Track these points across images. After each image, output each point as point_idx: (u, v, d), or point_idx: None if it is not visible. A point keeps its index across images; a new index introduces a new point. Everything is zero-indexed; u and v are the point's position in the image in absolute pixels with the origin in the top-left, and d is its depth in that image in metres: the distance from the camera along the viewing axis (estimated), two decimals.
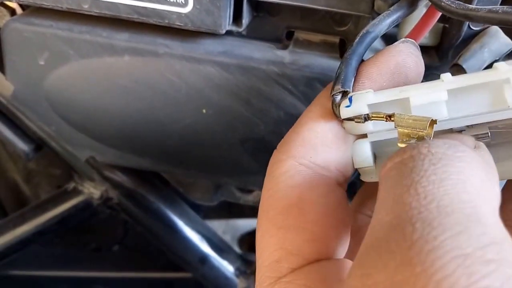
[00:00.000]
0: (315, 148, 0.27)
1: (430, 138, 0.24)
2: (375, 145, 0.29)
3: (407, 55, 0.29)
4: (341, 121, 0.28)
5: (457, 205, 0.18)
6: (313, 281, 0.24)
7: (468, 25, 0.37)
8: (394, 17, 0.33)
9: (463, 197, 0.19)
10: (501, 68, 0.25)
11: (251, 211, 0.81)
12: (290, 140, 0.28)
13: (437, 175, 0.20)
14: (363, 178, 0.29)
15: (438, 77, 0.39)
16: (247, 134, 0.41)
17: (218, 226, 0.63)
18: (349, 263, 0.26)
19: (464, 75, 0.26)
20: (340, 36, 0.39)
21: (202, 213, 0.69)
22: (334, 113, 0.28)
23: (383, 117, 0.26)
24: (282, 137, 0.40)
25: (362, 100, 0.27)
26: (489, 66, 0.36)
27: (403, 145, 0.25)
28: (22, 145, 0.49)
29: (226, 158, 0.43)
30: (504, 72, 0.25)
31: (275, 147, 0.41)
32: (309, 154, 0.27)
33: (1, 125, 0.48)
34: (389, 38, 0.39)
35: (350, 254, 0.27)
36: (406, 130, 0.25)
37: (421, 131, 0.25)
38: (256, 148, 0.42)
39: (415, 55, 0.30)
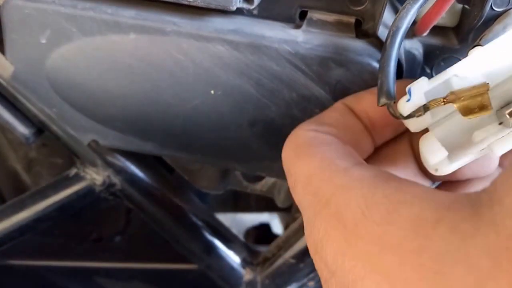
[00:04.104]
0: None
1: (490, 102, 0.26)
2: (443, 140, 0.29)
3: None
4: (403, 119, 0.29)
5: None
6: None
7: (491, 6, 0.36)
8: (420, 1, 0.32)
9: None
10: None
11: (258, 204, 0.79)
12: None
13: None
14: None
15: (458, 60, 0.38)
16: (257, 116, 0.39)
17: (223, 220, 0.63)
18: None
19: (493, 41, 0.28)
20: (356, 16, 0.37)
21: (208, 203, 0.68)
22: (393, 116, 0.29)
23: (441, 101, 0.27)
24: (294, 120, 0.39)
25: (419, 89, 0.28)
26: None
27: (470, 117, 0.26)
28: (22, 129, 0.47)
29: (234, 141, 0.41)
30: None
31: (286, 131, 0.39)
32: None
33: (0, 108, 0.47)
34: None
35: None
36: (465, 103, 0.26)
37: (482, 95, 0.26)
38: (266, 131, 0.40)
39: None
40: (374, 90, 0.31)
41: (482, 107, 0.26)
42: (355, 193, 0.25)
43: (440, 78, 0.28)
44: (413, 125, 0.29)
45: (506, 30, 0.36)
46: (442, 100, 0.27)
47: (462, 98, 0.26)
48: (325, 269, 0.25)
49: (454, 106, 0.26)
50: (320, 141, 0.30)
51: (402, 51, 0.37)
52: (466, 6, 0.37)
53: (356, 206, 0.24)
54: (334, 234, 0.24)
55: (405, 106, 0.28)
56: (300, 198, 0.29)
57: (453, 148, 0.29)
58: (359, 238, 0.23)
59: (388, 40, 0.31)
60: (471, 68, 0.27)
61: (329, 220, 0.25)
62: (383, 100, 0.29)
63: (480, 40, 0.36)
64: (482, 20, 0.36)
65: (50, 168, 0.70)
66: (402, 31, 0.31)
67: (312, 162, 0.29)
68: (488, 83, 0.26)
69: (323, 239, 0.25)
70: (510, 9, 0.36)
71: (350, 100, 0.34)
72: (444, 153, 0.29)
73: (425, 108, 0.27)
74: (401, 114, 0.28)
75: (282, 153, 0.32)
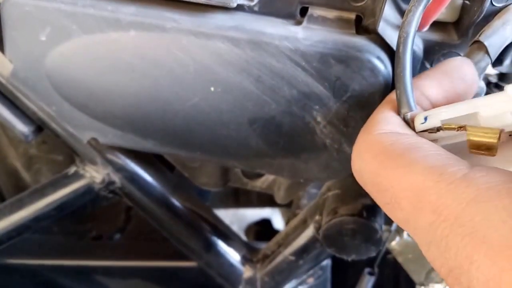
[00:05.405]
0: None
1: (496, 148, 0.27)
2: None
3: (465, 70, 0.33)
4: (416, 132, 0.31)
5: None
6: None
7: (491, 2, 0.36)
8: (424, 2, 0.32)
9: None
10: None
11: (259, 200, 0.79)
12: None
13: None
14: None
15: (457, 56, 0.38)
16: (257, 114, 0.39)
17: (225, 216, 0.63)
18: None
19: None
20: (357, 12, 0.37)
21: (209, 200, 0.68)
22: (408, 125, 0.31)
23: (454, 128, 0.29)
24: (294, 118, 0.39)
25: (436, 117, 0.30)
26: None
27: (474, 152, 0.28)
28: (21, 127, 0.47)
29: (234, 139, 0.41)
30: None
31: (286, 128, 0.39)
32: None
33: None
34: None
35: None
36: (475, 139, 0.27)
37: (492, 140, 0.27)
38: (266, 129, 0.40)
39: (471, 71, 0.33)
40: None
41: (489, 149, 0.27)
42: (492, 205, 0.22)
43: (461, 110, 0.29)
44: (424, 136, 0.31)
45: (506, 26, 0.36)
46: (456, 127, 0.28)
47: (475, 134, 0.27)
48: None
49: (465, 137, 0.28)
50: (408, 144, 0.28)
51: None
52: (467, 1, 0.37)
53: (499, 219, 0.21)
54: (481, 258, 0.21)
55: (419, 127, 0.30)
56: (408, 215, 0.25)
57: None
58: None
59: (401, 48, 0.31)
60: (493, 107, 0.27)
61: (469, 243, 0.21)
62: (405, 111, 0.31)
63: (479, 35, 0.36)
64: (482, 15, 0.36)
65: (51, 165, 0.70)
66: (412, 36, 0.32)
67: (415, 172, 0.25)
68: (502, 129, 0.27)
69: (470, 267, 0.21)
70: (509, 4, 0.36)
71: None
72: None
73: (438, 128, 0.29)
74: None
75: (358, 165, 0.30)
